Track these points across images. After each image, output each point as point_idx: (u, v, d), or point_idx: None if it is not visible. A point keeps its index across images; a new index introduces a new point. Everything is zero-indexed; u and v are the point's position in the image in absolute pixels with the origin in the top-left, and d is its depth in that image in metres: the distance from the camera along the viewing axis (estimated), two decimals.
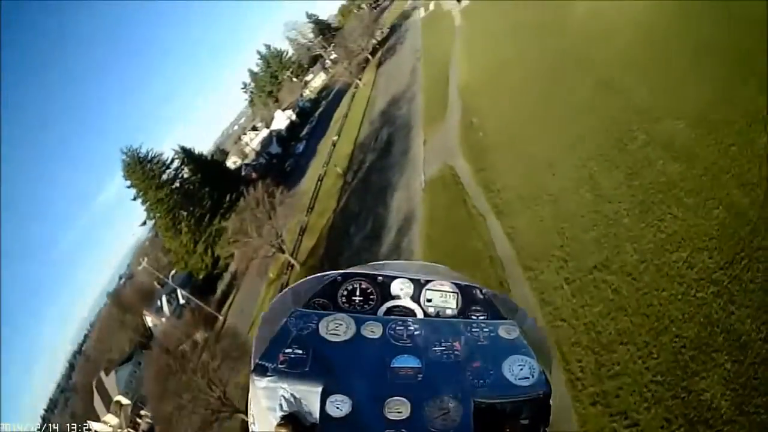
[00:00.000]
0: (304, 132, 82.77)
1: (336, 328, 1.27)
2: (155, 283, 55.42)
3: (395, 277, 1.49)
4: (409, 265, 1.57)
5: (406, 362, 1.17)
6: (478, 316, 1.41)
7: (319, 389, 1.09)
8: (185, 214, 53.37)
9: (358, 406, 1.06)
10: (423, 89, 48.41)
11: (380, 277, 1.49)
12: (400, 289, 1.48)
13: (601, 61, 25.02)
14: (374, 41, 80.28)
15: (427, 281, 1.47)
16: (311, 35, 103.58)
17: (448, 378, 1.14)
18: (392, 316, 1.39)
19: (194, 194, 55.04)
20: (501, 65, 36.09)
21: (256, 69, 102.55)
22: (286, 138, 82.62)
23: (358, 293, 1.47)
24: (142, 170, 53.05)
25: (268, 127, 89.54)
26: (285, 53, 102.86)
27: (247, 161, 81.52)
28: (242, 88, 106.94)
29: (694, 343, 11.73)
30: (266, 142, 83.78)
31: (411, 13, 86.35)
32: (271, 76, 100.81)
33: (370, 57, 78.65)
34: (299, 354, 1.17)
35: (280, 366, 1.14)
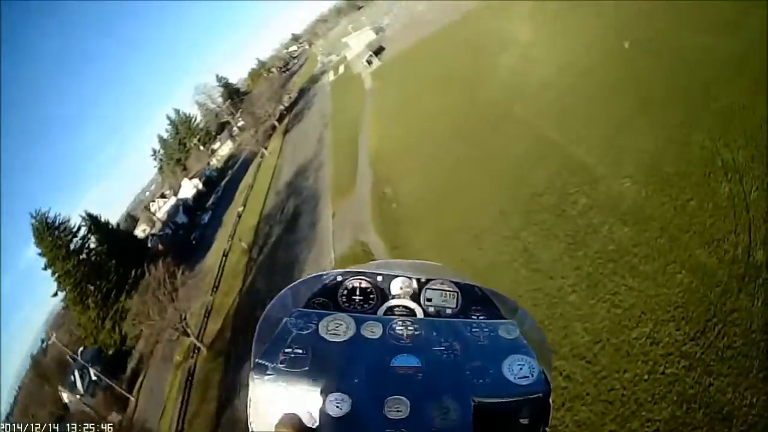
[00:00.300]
0: (210, 202, 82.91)
1: (336, 327, 1.27)
2: (68, 357, 53.70)
3: (395, 276, 1.50)
4: (409, 264, 1.56)
5: (406, 362, 1.17)
6: (478, 316, 1.42)
7: (319, 388, 1.09)
8: (92, 288, 52.54)
9: (357, 405, 1.06)
10: (331, 158, 48.08)
11: (380, 277, 1.50)
12: (400, 288, 1.48)
13: (531, 116, 24.75)
14: (282, 107, 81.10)
15: (427, 280, 1.49)
16: (220, 99, 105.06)
17: (447, 377, 1.14)
18: (392, 316, 1.40)
19: (101, 266, 54.36)
20: (416, 129, 35.65)
21: (165, 135, 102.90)
22: (193, 207, 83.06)
23: (358, 293, 1.48)
24: (51, 237, 52.70)
25: (176, 194, 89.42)
26: (194, 119, 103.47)
27: (154, 231, 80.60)
28: (152, 155, 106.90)
29: (670, 425, 10.92)
30: (173, 212, 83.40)
31: (320, 77, 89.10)
32: (180, 143, 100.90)
33: (276, 124, 78.49)
34: (299, 353, 1.18)
35: (279, 365, 1.14)
